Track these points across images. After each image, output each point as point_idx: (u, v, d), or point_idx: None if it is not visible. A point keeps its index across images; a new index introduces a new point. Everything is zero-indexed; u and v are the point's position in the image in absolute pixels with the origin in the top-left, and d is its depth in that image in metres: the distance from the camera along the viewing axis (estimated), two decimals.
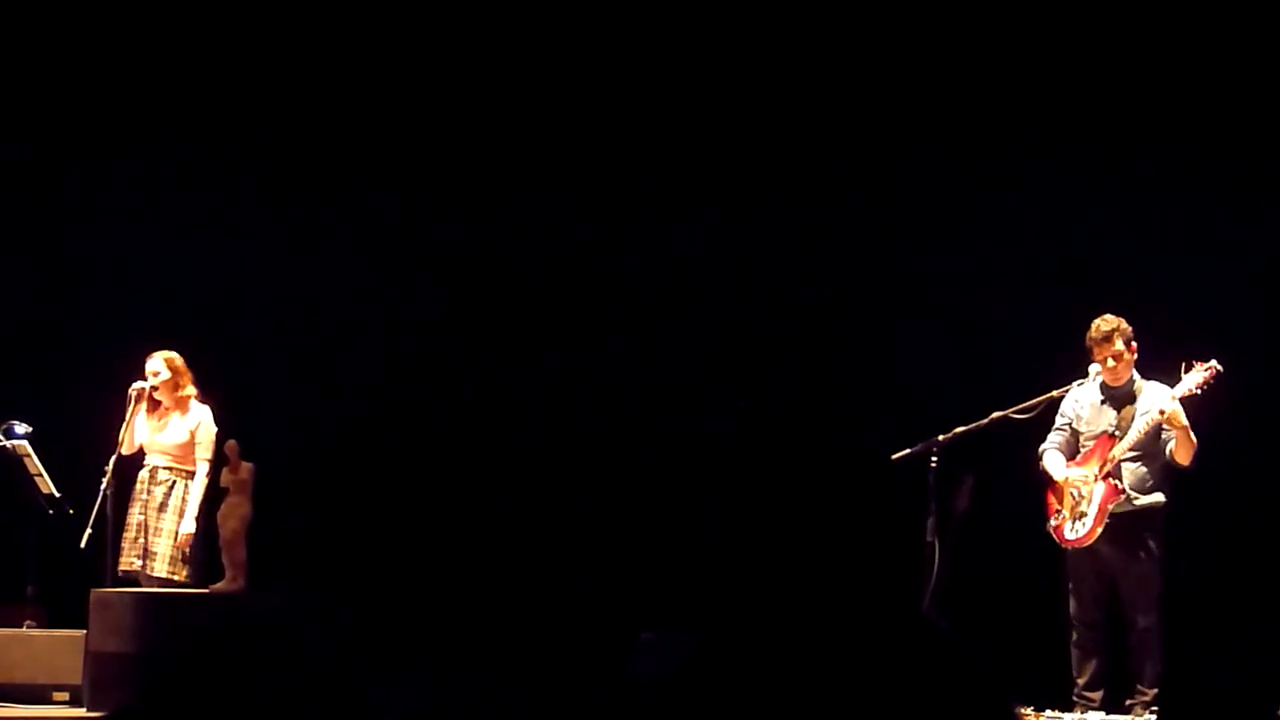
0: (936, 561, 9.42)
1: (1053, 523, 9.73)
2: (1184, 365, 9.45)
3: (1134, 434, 9.54)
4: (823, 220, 11.67)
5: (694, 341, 11.79)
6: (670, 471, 11.70)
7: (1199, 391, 9.39)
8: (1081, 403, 9.74)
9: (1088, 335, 9.66)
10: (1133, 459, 9.60)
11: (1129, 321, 9.64)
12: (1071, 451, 9.81)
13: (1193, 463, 9.49)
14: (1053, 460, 9.79)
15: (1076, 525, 9.61)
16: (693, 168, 11.68)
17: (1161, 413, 9.42)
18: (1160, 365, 9.65)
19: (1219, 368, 9.39)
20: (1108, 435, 9.66)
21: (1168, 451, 9.55)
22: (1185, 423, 9.40)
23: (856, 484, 11.06)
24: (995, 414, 9.57)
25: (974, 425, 9.55)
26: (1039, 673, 9.62)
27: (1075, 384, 9.76)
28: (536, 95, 11.74)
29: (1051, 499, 9.78)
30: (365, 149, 11.83)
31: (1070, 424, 9.78)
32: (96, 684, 9.40)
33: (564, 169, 11.82)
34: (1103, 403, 9.75)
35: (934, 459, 9.53)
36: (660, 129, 11.64)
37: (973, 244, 11.36)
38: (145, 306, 11.42)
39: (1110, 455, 9.59)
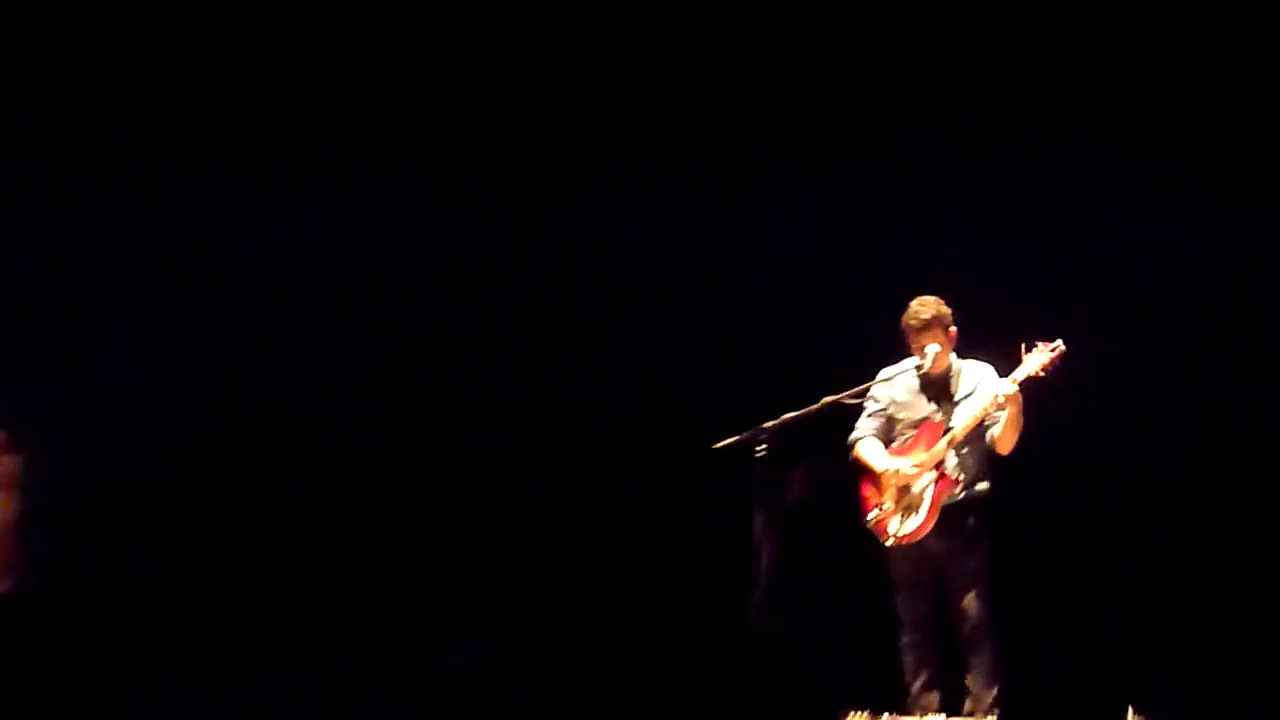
0: (765, 559, 8.83)
1: (873, 517, 9.19)
2: (1024, 346, 8.98)
3: (968, 419, 9.04)
4: (651, 199, 11.13)
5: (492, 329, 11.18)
6: (487, 466, 11.10)
7: (1042, 374, 8.93)
8: (897, 387, 9.24)
9: (904, 321, 9.16)
10: (961, 445, 9.11)
11: (947, 302, 9.19)
12: (886, 439, 9.30)
13: (1013, 451, 9.01)
14: (870, 448, 9.28)
15: (906, 520, 9.09)
16: (472, 155, 10.98)
17: (999, 398, 8.94)
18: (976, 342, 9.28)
19: (1063, 348, 8.93)
20: (932, 422, 9.15)
21: (989, 437, 9.07)
22: (1020, 409, 8.94)
23: (676, 477, 10.52)
24: (826, 399, 8.98)
25: (804, 411, 8.92)
26: (877, 675, 9.16)
27: (885, 370, 9.29)
28: None
29: (868, 491, 9.25)
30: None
31: (884, 410, 9.29)
32: None
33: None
34: (921, 388, 9.26)
35: (761, 448, 8.85)
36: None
37: (803, 222, 10.83)
38: None
39: (937, 443, 9.08)
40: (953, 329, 9.15)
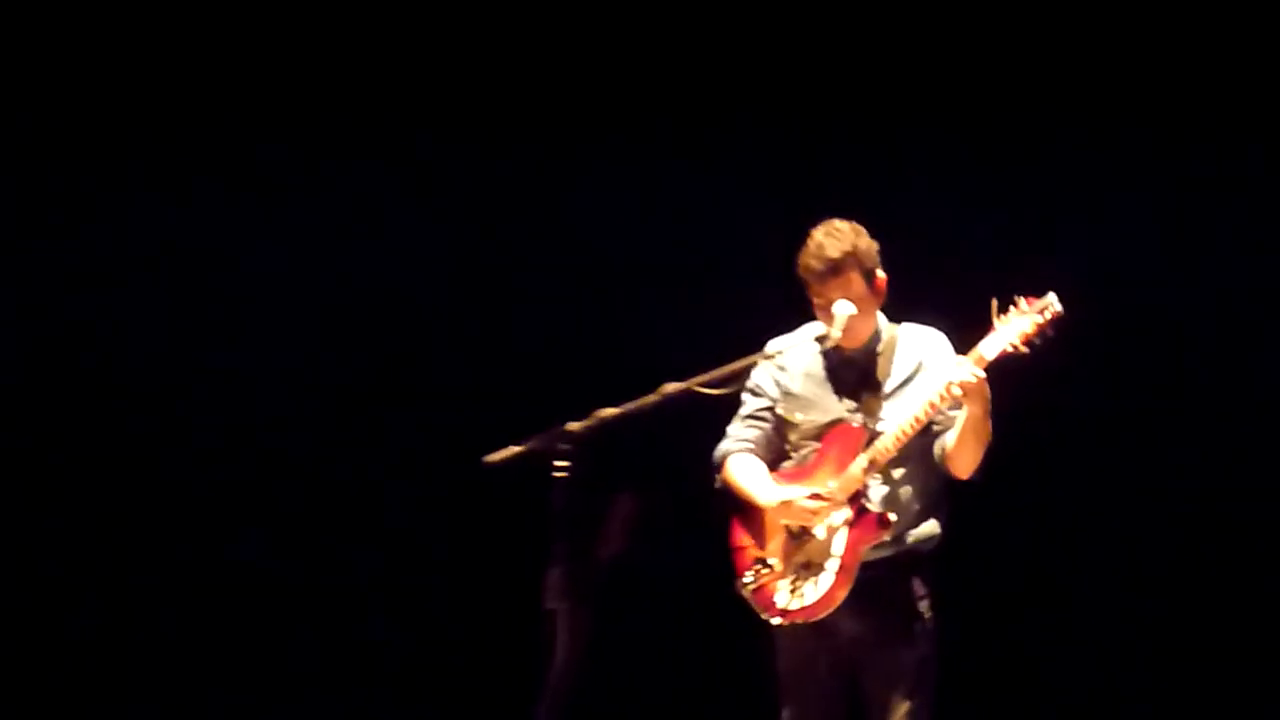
0: (563, 653, 5.22)
1: (749, 581, 5.74)
2: (995, 305, 5.46)
3: (905, 422, 5.54)
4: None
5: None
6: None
7: (1026, 349, 5.41)
8: (791, 370, 5.79)
9: (801, 262, 5.68)
10: (894, 463, 5.66)
11: (871, 233, 5.74)
12: (776, 455, 5.86)
13: (978, 472, 5.58)
14: (745, 470, 5.85)
15: (802, 586, 5.61)
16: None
17: (954, 388, 5.44)
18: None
19: (1059, 307, 5.41)
20: (847, 427, 5.67)
21: (938, 451, 5.62)
22: (987, 407, 5.44)
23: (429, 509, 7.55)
24: (668, 387, 5.39)
25: (630, 407, 5.37)
26: None
27: (772, 344, 5.74)
28: None
29: (742, 538, 5.82)
30: None
31: (771, 409, 5.84)
32: None
33: None
34: (829, 373, 5.78)
35: (561, 465, 5.25)
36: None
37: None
38: None
39: (854, 462, 5.58)
40: (880, 275, 5.69)
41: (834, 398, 5.72)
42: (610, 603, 5.80)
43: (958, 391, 5.41)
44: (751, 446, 5.84)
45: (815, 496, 5.58)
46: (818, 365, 5.76)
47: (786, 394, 5.79)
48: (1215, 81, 7.33)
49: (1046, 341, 5.40)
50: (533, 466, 5.46)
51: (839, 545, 5.56)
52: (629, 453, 5.84)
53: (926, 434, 5.57)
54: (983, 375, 5.38)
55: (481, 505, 7.34)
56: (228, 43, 8.02)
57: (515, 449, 5.33)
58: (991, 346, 5.40)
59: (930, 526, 5.67)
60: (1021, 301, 5.41)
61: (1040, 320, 5.37)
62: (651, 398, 5.41)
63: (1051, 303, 5.40)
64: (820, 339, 5.64)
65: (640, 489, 6.35)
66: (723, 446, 5.89)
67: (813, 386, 5.75)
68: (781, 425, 5.81)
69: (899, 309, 5.78)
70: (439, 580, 7.85)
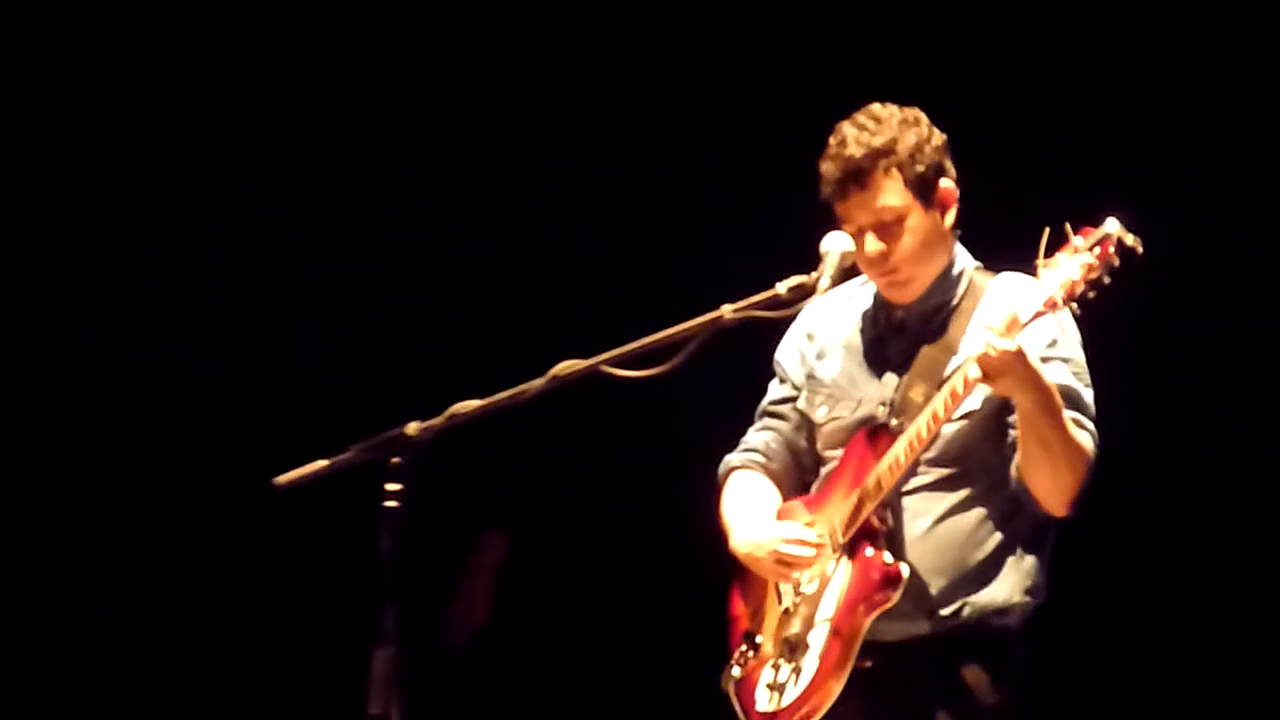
0: None
1: (736, 673, 3.78)
2: (1045, 241, 3.46)
3: (914, 427, 3.59)
4: None
5: None
6: None
7: (1087, 296, 3.40)
8: (824, 344, 3.88)
9: (822, 167, 3.69)
10: (931, 483, 3.66)
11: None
12: (807, 466, 3.86)
13: (1078, 497, 3.59)
14: (740, 496, 3.87)
15: (786, 677, 3.60)
16: None
17: (968, 374, 3.49)
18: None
19: (1129, 240, 3.41)
20: (871, 429, 3.71)
21: (1015, 471, 3.60)
22: (1036, 391, 3.50)
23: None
24: (564, 368, 3.46)
25: (500, 398, 3.48)
26: None
27: (785, 291, 3.65)
28: None
29: (740, 603, 3.86)
30: None
31: (794, 401, 3.89)
32: None
33: None
34: (873, 345, 3.80)
35: (393, 488, 3.37)
36: None
37: None
38: None
39: (874, 479, 3.60)
40: (946, 187, 3.72)
41: (874, 383, 3.77)
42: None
43: (975, 374, 3.48)
44: (762, 459, 3.90)
45: (799, 542, 3.64)
46: (858, 335, 3.82)
47: (811, 378, 3.85)
48: None
49: (1104, 290, 3.43)
50: (347, 490, 3.55)
51: (824, 611, 3.62)
52: (503, 469, 3.91)
53: (1001, 434, 3.63)
54: (1010, 347, 3.43)
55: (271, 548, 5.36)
56: None
57: (319, 464, 3.44)
58: (1030, 302, 3.45)
59: (1004, 589, 3.67)
60: (1079, 234, 3.43)
61: (1091, 261, 3.40)
62: (537, 383, 3.49)
63: (1114, 228, 3.41)
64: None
65: (522, 525, 4.39)
66: (726, 460, 3.95)
67: (850, 366, 3.80)
68: (808, 425, 3.87)
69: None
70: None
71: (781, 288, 3.59)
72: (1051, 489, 3.55)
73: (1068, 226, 3.41)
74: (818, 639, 3.61)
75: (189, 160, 6.28)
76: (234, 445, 5.92)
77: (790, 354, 3.88)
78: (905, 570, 3.58)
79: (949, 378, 3.58)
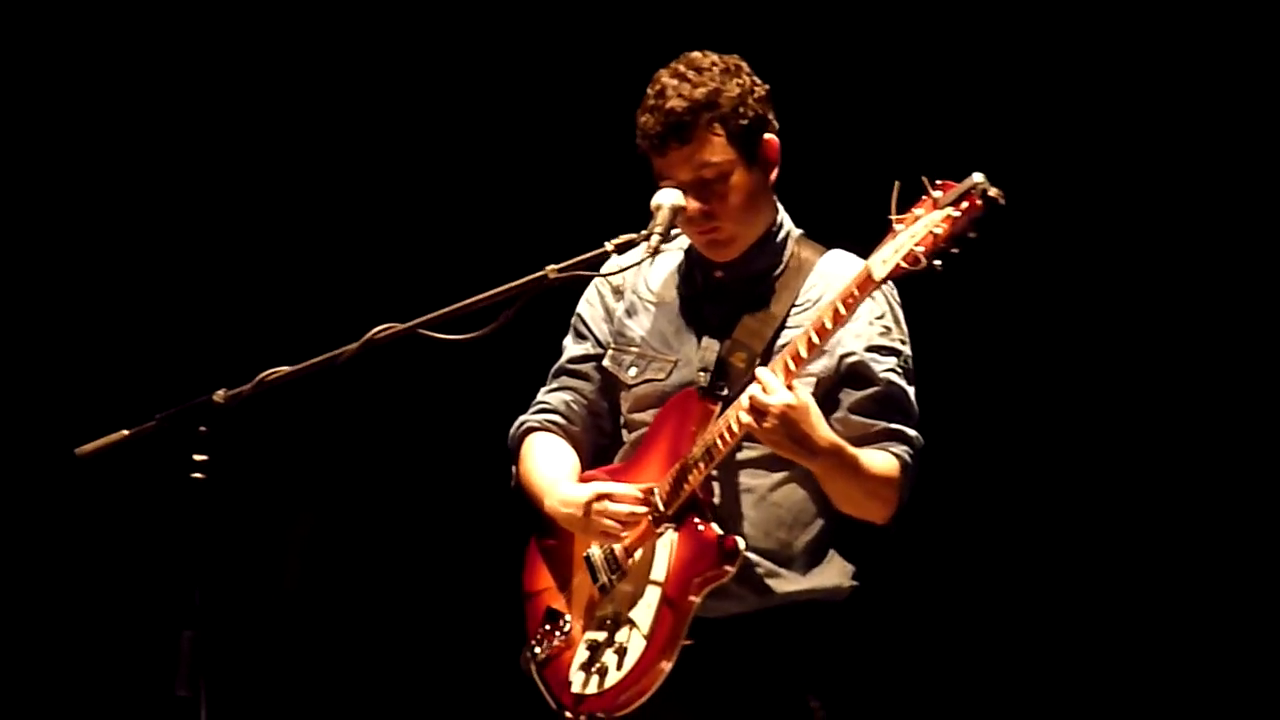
0: None
1: (537, 652, 3.63)
2: (896, 193, 3.30)
3: (733, 412, 3.43)
4: None
5: None
6: None
7: (933, 264, 3.23)
8: (635, 300, 3.71)
9: (637, 121, 3.51)
10: (756, 458, 3.49)
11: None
12: (610, 434, 3.69)
13: (898, 505, 3.47)
14: (541, 457, 3.70)
15: (604, 657, 3.48)
16: None
17: (740, 415, 3.37)
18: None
19: (991, 191, 3.21)
20: (691, 394, 3.53)
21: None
22: (881, 375, 3.42)
23: None
24: (380, 330, 3.29)
25: (312, 363, 3.32)
26: None
27: (613, 248, 3.49)
28: None
29: (540, 577, 3.70)
30: None
31: (598, 360, 3.72)
32: None
33: None
34: (690, 305, 3.62)
35: (199, 458, 3.17)
36: None
37: None
38: None
39: (702, 448, 3.45)
40: (769, 139, 3.56)
41: (692, 345, 3.60)
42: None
43: (746, 420, 3.33)
44: (560, 420, 3.72)
45: (628, 499, 3.48)
46: (673, 292, 3.66)
47: (620, 335, 3.68)
48: None
49: (968, 245, 3.26)
50: (152, 460, 3.36)
51: (655, 584, 3.47)
52: (315, 437, 3.73)
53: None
54: (788, 400, 3.29)
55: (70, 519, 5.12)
56: None
57: (121, 434, 3.23)
58: (882, 260, 3.25)
59: (825, 575, 3.53)
60: (937, 187, 3.27)
61: (959, 213, 3.24)
62: (351, 347, 3.30)
63: (978, 181, 3.24)
64: (651, 245, 3.47)
65: (331, 500, 4.21)
66: (520, 421, 3.76)
67: (662, 325, 3.64)
68: (612, 386, 3.70)
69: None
70: None
71: (610, 245, 3.44)
72: (862, 516, 3.47)
73: (925, 180, 3.25)
74: (643, 616, 3.44)
75: None
76: (36, 414, 5.67)
77: (594, 310, 3.71)
78: (742, 544, 3.43)
79: (771, 348, 3.45)
